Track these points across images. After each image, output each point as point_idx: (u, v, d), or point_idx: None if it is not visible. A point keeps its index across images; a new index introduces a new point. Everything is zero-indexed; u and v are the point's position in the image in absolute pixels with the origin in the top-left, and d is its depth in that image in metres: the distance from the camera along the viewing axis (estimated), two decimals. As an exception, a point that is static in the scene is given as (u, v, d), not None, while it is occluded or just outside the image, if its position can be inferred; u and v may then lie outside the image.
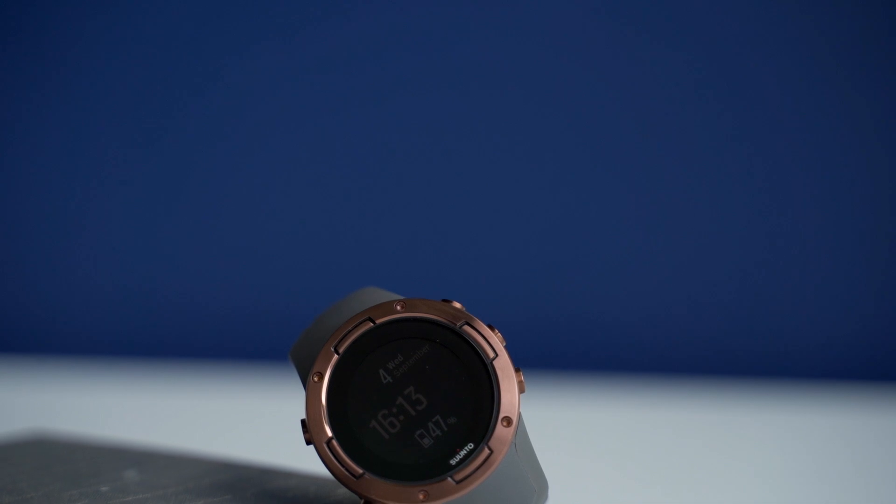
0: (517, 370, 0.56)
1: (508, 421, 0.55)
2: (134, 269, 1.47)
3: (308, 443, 0.56)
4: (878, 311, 1.35)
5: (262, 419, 1.12)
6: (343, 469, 0.55)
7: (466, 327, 0.57)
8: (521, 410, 0.56)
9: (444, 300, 0.58)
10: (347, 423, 0.56)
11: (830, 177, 1.35)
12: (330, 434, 0.56)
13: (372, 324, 0.57)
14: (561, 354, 1.38)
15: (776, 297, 1.36)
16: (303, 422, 0.56)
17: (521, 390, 0.56)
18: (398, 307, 0.57)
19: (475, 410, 0.56)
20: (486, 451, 0.55)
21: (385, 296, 0.59)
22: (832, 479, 0.88)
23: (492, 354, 0.56)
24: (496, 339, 0.57)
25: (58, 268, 1.48)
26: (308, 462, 0.64)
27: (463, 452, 0.55)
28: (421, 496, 0.54)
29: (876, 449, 1.03)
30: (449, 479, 0.55)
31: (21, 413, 1.12)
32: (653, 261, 1.38)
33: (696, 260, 1.37)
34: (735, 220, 1.36)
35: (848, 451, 1.01)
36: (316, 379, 0.56)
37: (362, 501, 0.55)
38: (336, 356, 0.57)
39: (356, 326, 0.57)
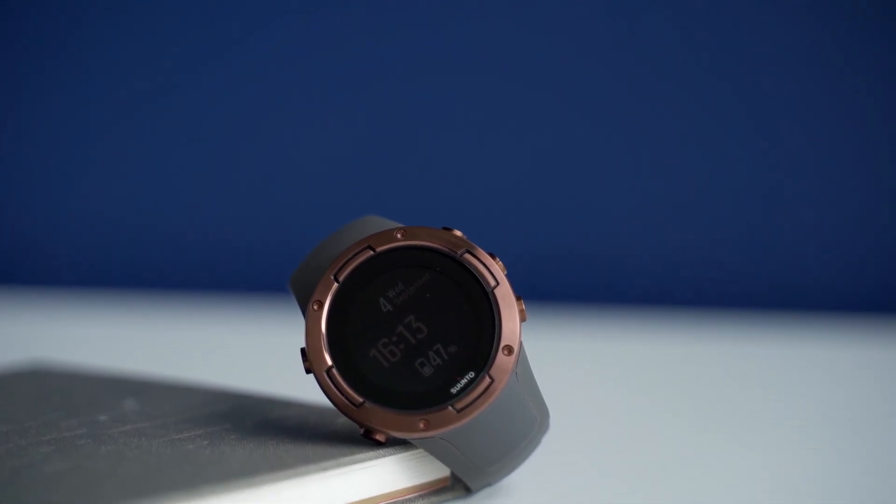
0: (518, 298, 0.56)
1: (510, 350, 0.55)
2: (132, 200, 1.47)
3: (308, 371, 0.56)
4: (888, 243, 1.34)
5: (261, 348, 1.12)
6: (343, 398, 0.55)
7: (467, 255, 0.56)
8: (522, 339, 0.55)
9: (445, 228, 0.57)
10: (347, 351, 0.55)
11: (840, 110, 1.34)
12: (330, 363, 0.55)
13: (372, 252, 0.57)
14: (563, 284, 1.38)
15: (778, 228, 1.36)
16: (302, 350, 0.56)
17: (523, 319, 0.56)
18: (399, 235, 0.57)
19: (476, 339, 0.55)
20: (487, 379, 0.55)
21: (385, 224, 0.59)
22: (831, 411, 0.88)
23: (493, 283, 0.56)
24: (497, 268, 0.56)
25: (56, 200, 1.48)
26: (308, 391, 0.64)
27: (464, 381, 0.55)
28: (421, 425, 0.54)
29: (880, 381, 1.03)
30: (450, 407, 0.54)
31: (20, 344, 1.12)
32: (657, 192, 1.37)
33: (702, 191, 1.37)
34: (743, 151, 1.36)
35: (854, 382, 1.01)
36: (316, 307, 0.56)
37: (362, 430, 0.55)
38: (336, 284, 0.56)
39: (356, 254, 0.57)
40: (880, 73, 1.33)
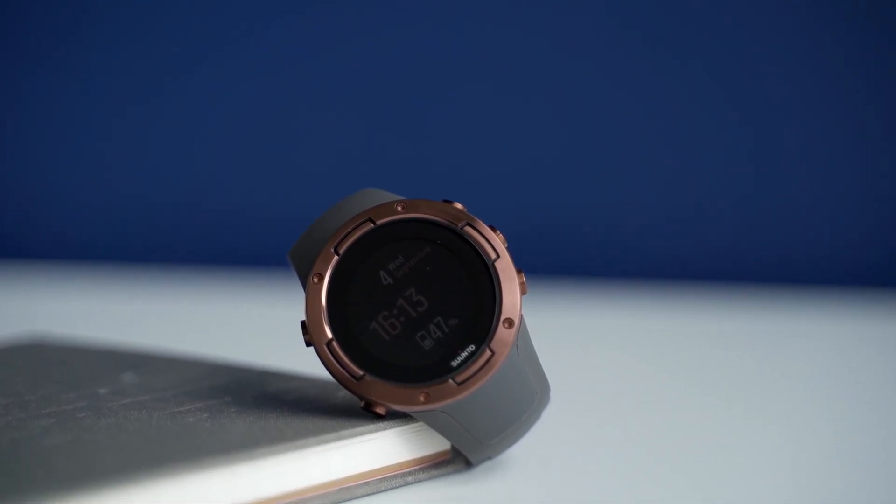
0: (519, 271, 0.56)
1: (510, 323, 0.55)
2: (131, 173, 1.47)
3: (308, 344, 0.56)
4: (882, 218, 1.34)
5: (261, 321, 1.12)
6: (343, 371, 0.55)
7: (468, 228, 0.56)
8: (522, 312, 0.55)
9: (446, 201, 0.57)
10: (347, 324, 0.55)
11: (837, 83, 1.34)
12: (330, 335, 0.55)
13: (372, 224, 0.56)
14: (564, 257, 1.37)
15: (779, 204, 1.35)
16: (303, 323, 0.56)
17: (523, 292, 0.56)
18: (399, 208, 0.57)
19: (476, 312, 0.55)
20: (488, 352, 0.54)
21: (385, 196, 0.58)
22: (832, 382, 0.88)
23: (493, 255, 0.56)
24: (498, 241, 0.56)
25: (55, 173, 1.48)
26: (308, 364, 0.64)
27: (464, 354, 0.55)
28: (422, 398, 0.54)
29: (881, 355, 1.03)
30: (450, 380, 0.54)
31: (20, 317, 1.12)
32: (658, 168, 1.37)
33: (702, 166, 1.36)
34: (743, 126, 1.35)
35: (854, 355, 1.02)
36: (316, 280, 0.56)
37: (362, 403, 0.55)
38: (336, 257, 0.56)
39: (356, 227, 0.56)
40: (876, 50, 1.33)
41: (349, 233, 0.56)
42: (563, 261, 1.37)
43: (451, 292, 0.55)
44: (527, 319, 0.56)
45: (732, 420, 0.74)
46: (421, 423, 0.56)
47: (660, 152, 1.37)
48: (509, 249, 0.56)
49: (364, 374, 0.55)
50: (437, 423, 0.55)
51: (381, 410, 0.55)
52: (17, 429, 0.54)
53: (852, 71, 1.33)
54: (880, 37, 1.32)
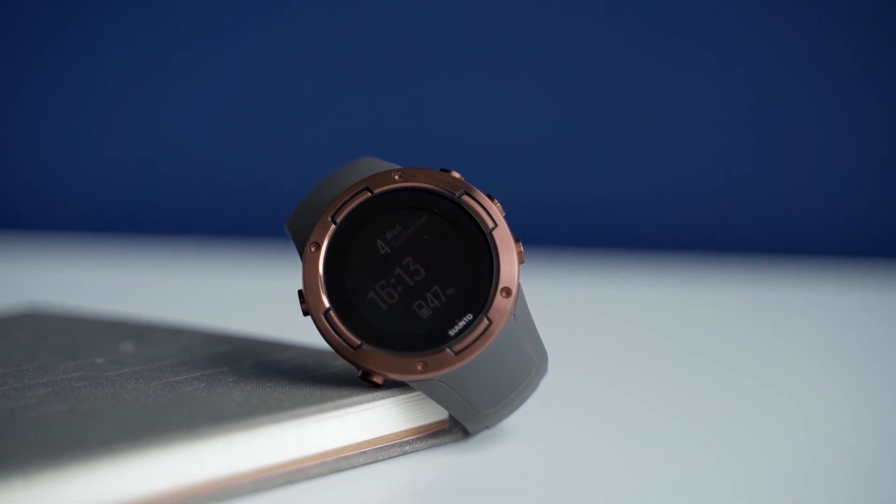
0: (517, 241, 0.56)
1: (508, 292, 0.55)
2: (131, 145, 1.46)
3: (305, 313, 0.55)
4: (884, 189, 1.34)
5: (258, 291, 1.12)
6: (341, 340, 0.55)
7: (465, 197, 0.56)
8: (520, 281, 0.55)
9: (443, 170, 0.57)
10: (345, 293, 0.55)
11: (840, 54, 1.33)
12: (327, 305, 0.55)
13: (370, 193, 0.56)
14: (563, 226, 1.37)
15: (783, 172, 1.35)
16: (300, 292, 0.56)
17: (521, 261, 0.55)
18: (396, 177, 0.56)
19: (474, 281, 0.55)
20: (485, 321, 0.54)
21: (383, 165, 0.58)
22: (833, 351, 0.88)
23: (491, 225, 0.56)
24: (496, 210, 0.56)
25: (54, 144, 1.47)
26: (305, 334, 0.64)
27: (462, 323, 0.54)
28: (419, 367, 0.54)
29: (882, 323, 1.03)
30: (447, 349, 0.54)
31: (18, 287, 1.12)
32: (657, 137, 1.37)
33: (703, 135, 1.36)
34: (745, 97, 1.35)
35: (852, 325, 1.02)
36: (313, 249, 0.56)
37: (360, 372, 0.55)
38: (333, 226, 0.56)
39: (354, 196, 0.56)
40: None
41: (346, 202, 0.56)
42: (562, 230, 1.37)
43: (449, 261, 0.55)
44: (525, 289, 0.56)
45: (732, 390, 0.74)
46: (418, 393, 0.56)
47: (660, 122, 1.36)
48: (507, 218, 0.56)
49: (361, 344, 0.55)
50: (434, 393, 0.55)
51: (378, 380, 0.55)
52: (13, 398, 0.53)
53: (854, 39, 1.32)
54: (877, 8, 1.32)
